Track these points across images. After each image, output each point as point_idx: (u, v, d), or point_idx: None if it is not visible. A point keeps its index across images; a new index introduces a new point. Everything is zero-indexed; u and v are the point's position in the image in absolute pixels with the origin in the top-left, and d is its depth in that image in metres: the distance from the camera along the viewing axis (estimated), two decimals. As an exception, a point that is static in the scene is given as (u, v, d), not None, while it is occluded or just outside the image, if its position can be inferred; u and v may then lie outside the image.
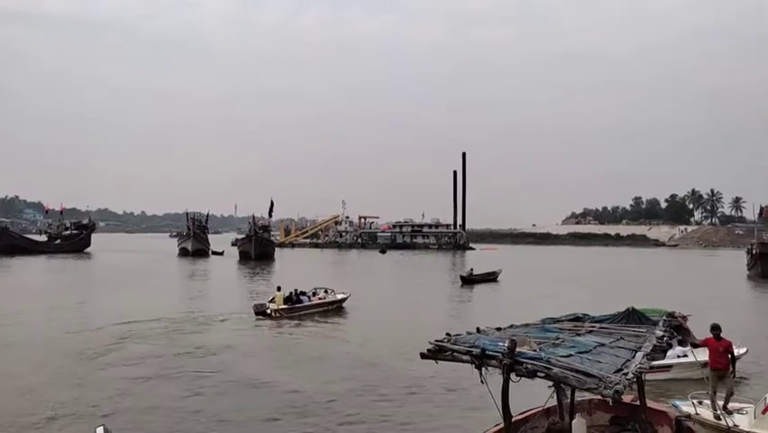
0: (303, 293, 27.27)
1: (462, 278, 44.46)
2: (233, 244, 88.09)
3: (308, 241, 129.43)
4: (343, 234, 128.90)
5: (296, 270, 58.89)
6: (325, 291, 28.57)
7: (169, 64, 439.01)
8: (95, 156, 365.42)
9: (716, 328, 10.82)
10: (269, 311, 25.19)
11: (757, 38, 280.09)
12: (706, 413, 10.26)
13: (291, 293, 26.73)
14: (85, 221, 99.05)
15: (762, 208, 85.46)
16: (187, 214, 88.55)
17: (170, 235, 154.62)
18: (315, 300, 27.33)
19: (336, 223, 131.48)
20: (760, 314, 29.24)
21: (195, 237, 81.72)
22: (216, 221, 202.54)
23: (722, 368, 10.62)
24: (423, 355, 6.34)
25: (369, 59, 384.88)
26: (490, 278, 46.24)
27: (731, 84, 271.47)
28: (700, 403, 10.44)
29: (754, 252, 56.31)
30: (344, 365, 16.48)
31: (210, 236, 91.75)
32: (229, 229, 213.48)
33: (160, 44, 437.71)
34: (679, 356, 14.29)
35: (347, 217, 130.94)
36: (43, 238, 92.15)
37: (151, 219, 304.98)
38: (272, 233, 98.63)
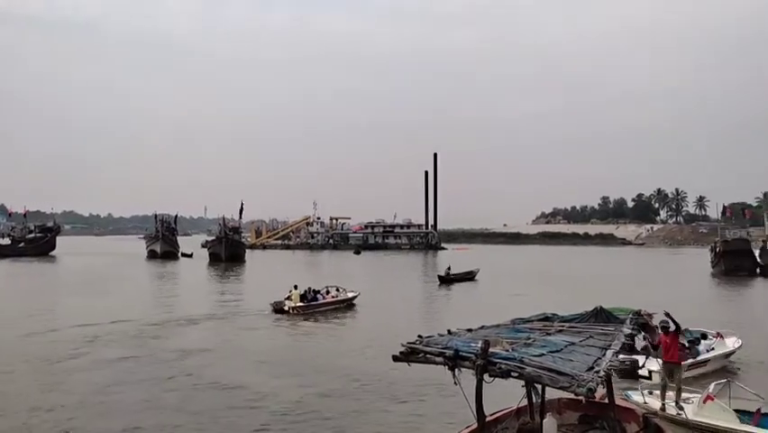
0: (317, 291, 28.65)
1: (440, 277, 44.57)
2: (203, 246, 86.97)
3: (280, 242, 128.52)
4: (315, 235, 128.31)
5: (268, 271, 58.46)
6: (337, 290, 30.00)
7: (136, 64, 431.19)
8: (59, 157, 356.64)
9: (664, 324, 11.22)
10: (286, 308, 26.46)
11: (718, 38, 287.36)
12: (655, 403, 10.54)
13: (306, 291, 27.99)
14: (49, 224, 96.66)
15: (725, 207, 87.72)
16: (155, 216, 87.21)
17: (139, 237, 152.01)
18: (328, 298, 28.76)
19: (308, 224, 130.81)
20: (725, 311, 29.91)
21: (163, 239, 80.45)
22: (186, 223, 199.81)
23: (672, 361, 10.88)
24: (395, 358, 6.31)
25: (340, 60, 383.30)
26: (468, 277, 46.41)
27: (691, 83, 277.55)
28: (651, 393, 10.74)
29: (717, 250, 57.74)
30: (322, 368, 16.36)
31: (179, 238, 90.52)
32: (199, 231, 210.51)
33: (127, 45, 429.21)
34: (708, 351, 15.34)
35: (318, 218, 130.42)
36: (6, 241, 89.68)
37: (119, 221, 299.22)
38: (243, 234, 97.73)
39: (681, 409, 10.19)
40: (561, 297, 27.90)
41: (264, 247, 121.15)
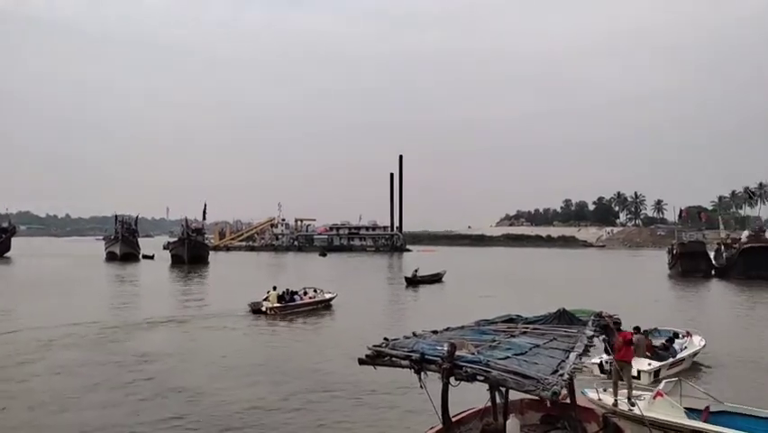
0: (295, 292, 29.03)
1: (407, 279, 44.68)
2: (165, 248, 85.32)
3: (244, 244, 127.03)
4: (280, 236, 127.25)
5: (232, 273, 57.73)
6: (315, 291, 30.50)
7: (97, 60, 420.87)
8: (14, 156, 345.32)
9: (617, 324, 11.43)
10: (264, 309, 26.70)
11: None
12: (608, 399, 10.76)
13: (284, 292, 28.36)
14: (4, 224, 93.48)
15: (681, 210, 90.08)
16: (115, 217, 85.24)
17: (97, 239, 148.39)
18: (306, 299, 29.14)
19: (272, 225, 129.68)
20: (683, 310, 30.71)
21: (123, 241, 78.57)
22: (147, 224, 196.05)
23: (623, 359, 11.11)
24: (361, 361, 6.27)
25: (303, 59, 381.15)
26: (435, 279, 46.64)
27: (651, 91, 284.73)
28: (605, 391, 10.97)
29: (674, 252, 59.33)
30: (289, 371, 16.20)
31: (140, 240, 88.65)
32: (161, 232, 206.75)
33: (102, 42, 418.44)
34: (681, 349, 16.19)
35: (283, 220, 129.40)
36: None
37: (77, 222, 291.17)
38: (206, 236, 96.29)
39: (633, 405, 10.42)
40: (525, 298, 28.32)
41: (228, 249, 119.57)
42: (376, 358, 6.18)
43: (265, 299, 27.29)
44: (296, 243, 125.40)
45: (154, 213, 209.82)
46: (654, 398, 10.28)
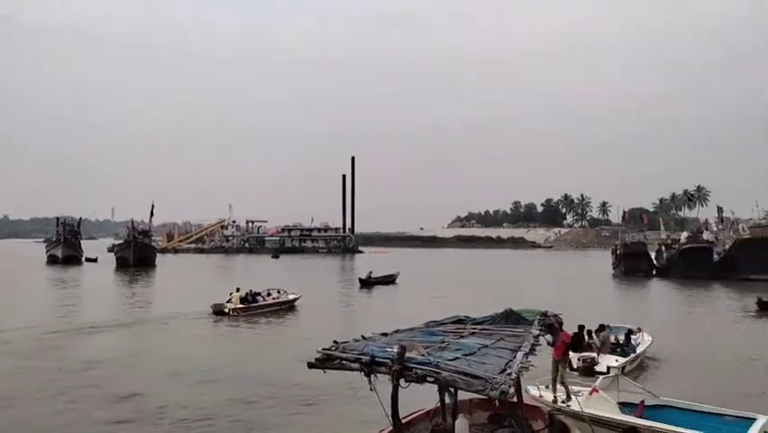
0: (258, 294, 29.23)
1: (361, 280, 44.76)
2: (110, 251, 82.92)
3: (193, 246, 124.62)
4: (230, 238, 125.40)
5: (181, 276, 56.53)
6: (278, 292, 30.68)
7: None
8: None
9: (560, 323, 11.76)
10: (226, 310, 26.85)
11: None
12: (548, 395, 11.15)
13: (247, 294, 28.52)
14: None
15: (624, 212, 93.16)
16: (57, 218, 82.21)
17: (36, 241, 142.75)
18: (269, 300, 29.31)
19: (222, 227, 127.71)
20: (627, 308, 31.72)
21: (65, 243, 75.81)
22: (91, 226, 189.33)
23: (561, 357, 11.43)
24: (310, 365, 6.22)
25: (249, 58, 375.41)
26: (389, 280, 46.87)
27: (601, 96, 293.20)
28: (547, 387, 11.27)
29: (618, 252, 61.37)
30: (240, 374, 15.94)
31: (84, 242, 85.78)
32: (105, 234, 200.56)
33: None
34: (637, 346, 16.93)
35: (234, 222, 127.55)
36: None
37: (16, 224, 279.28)
38: (154, 238, 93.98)
39: (570, 400, 10.71)
40: (475, 299, 28.64)
41: (176, 251, 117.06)
42: (325, 362, 6.15)
43: (228, 301, 27.41)
44: (246, 244, 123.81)
45: (98, 214, 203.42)
46: (591, 394, 10.57)
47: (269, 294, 30.00)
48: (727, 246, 55.25)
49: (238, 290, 28.42)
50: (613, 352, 16.27)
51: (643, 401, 10.59)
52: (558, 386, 11.37)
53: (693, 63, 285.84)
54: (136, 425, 11.77)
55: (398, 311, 27.71)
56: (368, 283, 44.23)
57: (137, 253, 68.20)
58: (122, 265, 66.52)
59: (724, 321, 27.42)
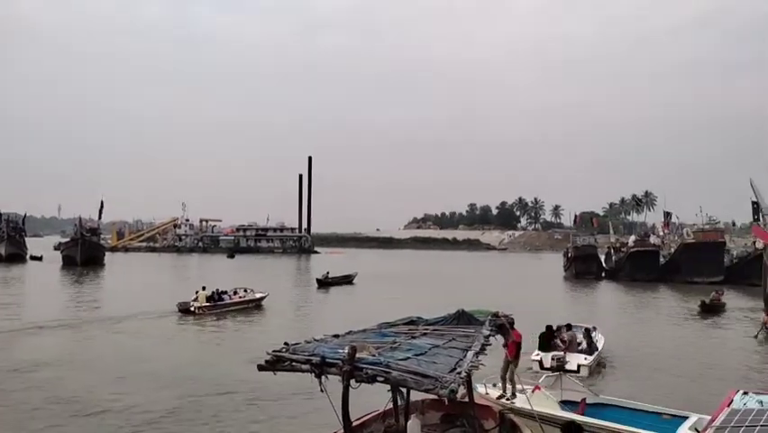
0: (224, 292, 29.67)
1: (318, 280, 44.63)
2: (57, 249, 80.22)
3: (144, 245, 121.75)
4: (183, 237, 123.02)
5: (131, 275, 55.12)
6: (245, 291, 31.06)
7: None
8: None
9: (510, 323, 12.00)
10: (192, 309, 27.03)
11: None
12: (494, 392, 11.38)
13: (213, 292, 28.87)
14: None
15: (576, 216, 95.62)
16: (0, 215, 79.10)
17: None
18: (235, 299, 29.67)
19: (175, 226, 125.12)
20: (579, 309, 32.47)
21: (8, 240, 73.09)
22: (37, 223, 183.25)
23: (512, 356, 11.65)
24: (260, 367, 6.14)
25: (211, 56, 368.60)
26: (346, 281, 46.94)
27: (551, 101, 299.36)
28: (494, 386, 11.49)
29: (569, 255, 62.82)
30: (190, 375, 15.62)
31: (29, 240, 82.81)
32: (52, 232, 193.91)
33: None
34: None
35: (187, 220, 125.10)
36: None
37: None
38: (103, 236, 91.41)
39: (515, 397, 10.92)
40: (429, 299, 28.85)
41: (126, 250, 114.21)
42: (276, 363, 6.07)
43: (194, 300, 27.56)
44: (200, 244, 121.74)
45: (44, 211, 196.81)
46: (533, 391, 10.82)
47: (235, 293, 30.27)
48: (673, 250, 57.28)
49: (204, 288, 28.49)
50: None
51: (584, 399, 10.91)
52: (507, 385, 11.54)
53: (641, 70, 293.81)
54: (72, 428, 11.39)
55: (356, 312, 27.67)
56: (325, 284, 44.22)
57: (85, 252, 66.28)
58: (68, 264, 64.55)
59: (668, 323, 28.36)
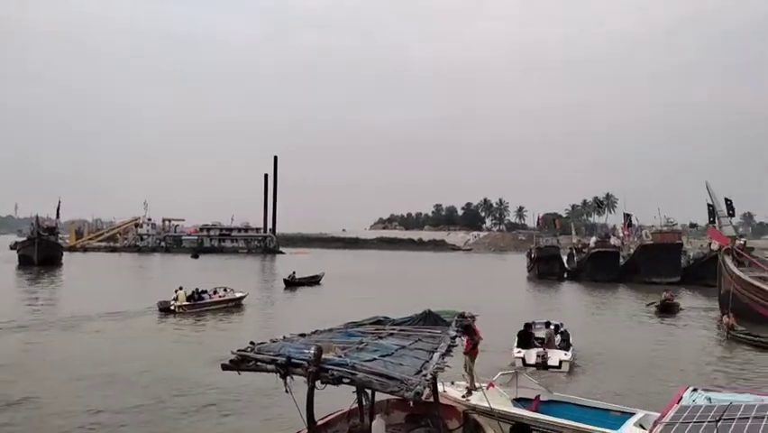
0: (204, 291, 30.03)
1: (286, 281, 44.37)
2: (13, 248, 77.77)
3: (104, 244, 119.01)
4: (145, 237, 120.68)
5: (89, 275, 53.80)
6: (225, 290, 31.40)
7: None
8: None
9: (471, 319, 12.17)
10: (172, 307, 27.39)
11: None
12: (454, 391, 11.39)
13: (193, 292, 29.25)
14: None
15: (539, 217, 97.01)
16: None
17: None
18: (215, 298, 30.04)
19: (136, 225, 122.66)
20: (542, 309, 32.95)
21: (-39, 239, 70.70)
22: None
23: (472, 353, 11.80)
24: (224, 367, 6.06)
25: (181, 52, 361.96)
26: (314, 281, 46.77)
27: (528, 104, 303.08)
28: (452, 384, 11.62)
29: (533, 256, 63.69)
30: (153, 377, 15.29)
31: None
32: (7, 231, 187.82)
33: None
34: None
35: (149, 220, 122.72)
36: None
37: None
38: (61, 235, 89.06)
39: (470, 394, 11.05)
40: (398, 300, 28.91)
41: (85, 249, 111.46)
42: (240, 363, 5.99)
43: (174, 299, 27.88)
44: (162, 244, 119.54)
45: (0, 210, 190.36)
46: (488, 388, 10.92)
47: (215, 292, 30.68)
48: (632, 251, 58.62)
49: (181, 288, 28.75)
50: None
51: (538, 396, 11.11)
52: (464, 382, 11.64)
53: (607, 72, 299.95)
54: (21, 429, 11.10)
55: (323, 312, 27.52)
56: (292, 284, 44.04)
57: (42, 251, 64.51)
58: (24, 263, 62.69)
59: (627, 322, 29.01)
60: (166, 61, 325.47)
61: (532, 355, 16.75)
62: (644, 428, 9.27)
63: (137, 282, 48.28)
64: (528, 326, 18.08)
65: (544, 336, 17.68)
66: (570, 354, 17.06)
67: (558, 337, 18.12)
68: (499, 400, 10.58)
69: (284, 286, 43.62)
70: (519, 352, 17.01)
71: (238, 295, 31.50)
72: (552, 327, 18.52)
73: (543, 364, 16.47)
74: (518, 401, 10.94)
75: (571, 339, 18.30)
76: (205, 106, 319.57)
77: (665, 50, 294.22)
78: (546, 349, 16.98)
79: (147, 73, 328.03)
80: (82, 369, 16.16)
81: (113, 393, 13.76)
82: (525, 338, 17.58)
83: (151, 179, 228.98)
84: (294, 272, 46.45)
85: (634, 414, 9.96)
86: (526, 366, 16.08)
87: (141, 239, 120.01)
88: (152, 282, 48.36)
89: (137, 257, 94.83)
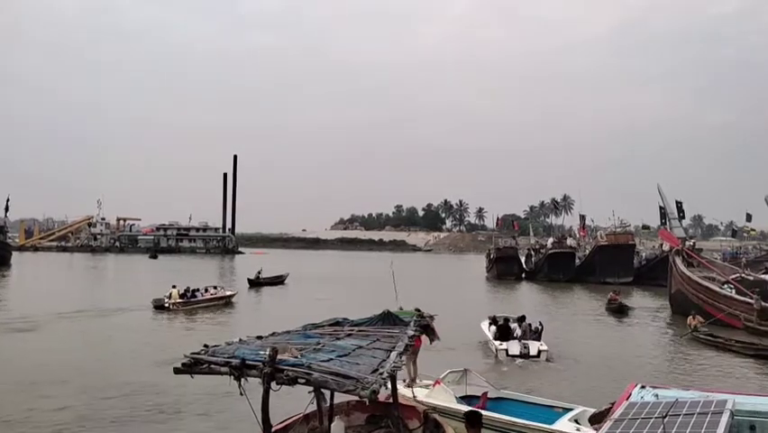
0: (196, 290, 31.38)
1: (250, 280, 44.01)
2: (-43, 248, 74.77)
3: (55, 244, 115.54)
4: (98, 236, 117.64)
5: (41, 276, 52.09)
6: (215, 288, 33.48)
7: None
8: None
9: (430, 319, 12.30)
10: (166, 305, 28.62)
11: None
12: (404, 391, 11.46)
13: (185, 290, 30.57)
14: None
15: (498, 219, 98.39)
16: None
17: None
18: (207, 296, 31.47)
19: (90, 225, 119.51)
20: (496, 308, 33.33)
21: None
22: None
23: (415, 346, 11.96)
24: (176, 370, 5.92)
25: (132, 50, 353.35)
26: (278, 281, 46.59)
27: (476, 106, 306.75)
28: (403, 382, 11.75)
29: (491, 256, 64.53)
30: (95, 384, 14.74)
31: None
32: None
33: None
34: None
35: (103, 219, 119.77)
36: None
37: None
38: (10, 234, 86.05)
39: (407, 389, 11.17)
40: (359, 300, 28.91)
41: (36, 249, 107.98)
42: (193, 366, 5.87)
43: (168, 297, 29.13)
44: (117, 243, 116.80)
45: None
46: (434, 385, 11.09)
47: (206, 290, 32.18)
48: (588, 252, 59.97)
49: (174, 287, 29.99)
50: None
51: (485, 394, 11.25)
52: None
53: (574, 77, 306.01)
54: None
55: (289, 312, 27.42)
56: (257, 284, 43.83)
57: (-12, 251, 62.33)
58: (-30, 264, 60.46)
59: (581, 321, 29.65)
60: (120, 57, 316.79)
61: (514, 346, 18.49)
62: (578, 424, 9.61)
63: (93, 283, 46.95)
64: (507, 320, 19.90)
65: (521, 331, 19.33)
66: (545, 345, 18.75)
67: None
68: (444, 397, 10.73)
69: (248, 285, 43.18)
70: (501, 344, 18.74)
71: (228, 293, 33.46)
72: (526, 321, 19.89)
73: (525, 355, 18.23)
74: (466, 399, 11.09)
75: (542, 334, 19.73)
76: (165, 105, 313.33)
77: (608, 54, 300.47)
78: (524, 341, 18.72)
79: (102, 69, 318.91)
80: (27, 373, 15.60)
81: (53, 395, 13.34)
82: (505, 332, 19.30)
83: (106, 178, 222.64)
84: (259, 271, 46.23)
85: (572, 410, 10.26)
86: (510, 357, 18.19)
87: (95, 239, 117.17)
88: (107, 283, 47.12)
89: (90, 257, 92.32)
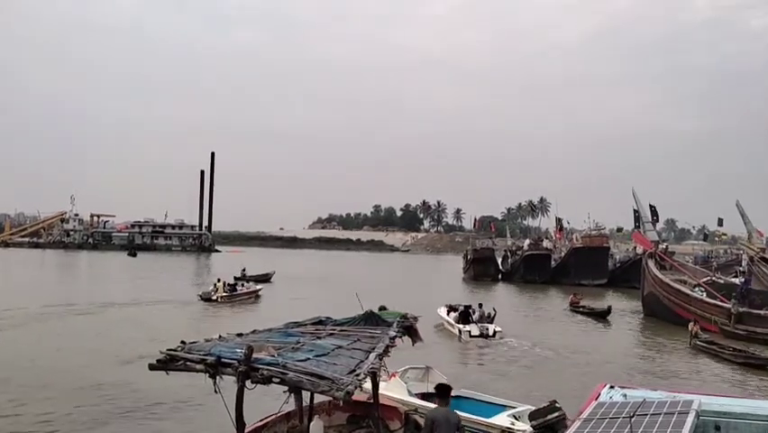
0: (235, 285, 35.83)
1: (236, 278, 43.66)
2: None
3: (27, 240, 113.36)
4: (71, 233, 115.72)
5: (14, 272, 51.11)
6: (247, 281, 39.62)
7: None
8: None
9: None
10: (214, 297, 32.23)
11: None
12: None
13: (229, 284, 34.81)
14: None
15: (476, 220, 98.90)
16: None
17: None
18: (244, 290, 35.77)
19: (63, 221, 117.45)
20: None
21: None
22: None
23: None
24: (151, 367, 5.90)
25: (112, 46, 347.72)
26: (264, 279, 46.38)
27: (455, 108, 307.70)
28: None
29: (468, 257, 64.86)
30: (77, 380, 14.55)
31: None
32: None
33: None
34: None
35: (76, 215, 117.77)
36: None
37: None
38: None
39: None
40: (342, 299, 28.87)
41: (7, 245, 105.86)
42: (169, 363, 5.85)
43: (215, 290, 32.77)
44: (90, 240, 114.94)
45: None
46: (390, 378, 11.18)
47: (242, 285, 36.57)
48: (563, 254, 60.64)
49: (219, 280, 34.14)
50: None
51: None
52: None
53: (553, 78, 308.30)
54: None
55: (272, 311, 27.36)
56: (242, 280, 43.46)
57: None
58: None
59: (554, 322, 29.94)
60: (90, 52, 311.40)
61: (475, 328, 22.50)
62: (516, 419, 9.93)
63: (66, 279, 46.17)
64: (468, 307, 24.22)
65: (478, 315, 23.70)
66: (499, 327, 22.94)
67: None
68: (397, 390, 10.90)
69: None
70: (465, 327, 22.63)
71: (258, 288, 37.42)
72: (482, 308, 24.46)
73: (485, 335, 22.21)
74: (427, 396, 11.03)
75: (495, 318, 23.93)
76: (141, 100, 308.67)
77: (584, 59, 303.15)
78: (481, 324, 22.87)
79: (75, 64, 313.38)
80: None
81: (43, 397, 13.14)
82: (465, 317, 23.38)
83: (80, 173, 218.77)
84: (244, 269, 46.13)
85: (515, 407, 10.53)
86: (472, 337, 22.09)
87: (68, 235, 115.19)
88: (82, 278, 46.36)
89: (62, 254, 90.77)
